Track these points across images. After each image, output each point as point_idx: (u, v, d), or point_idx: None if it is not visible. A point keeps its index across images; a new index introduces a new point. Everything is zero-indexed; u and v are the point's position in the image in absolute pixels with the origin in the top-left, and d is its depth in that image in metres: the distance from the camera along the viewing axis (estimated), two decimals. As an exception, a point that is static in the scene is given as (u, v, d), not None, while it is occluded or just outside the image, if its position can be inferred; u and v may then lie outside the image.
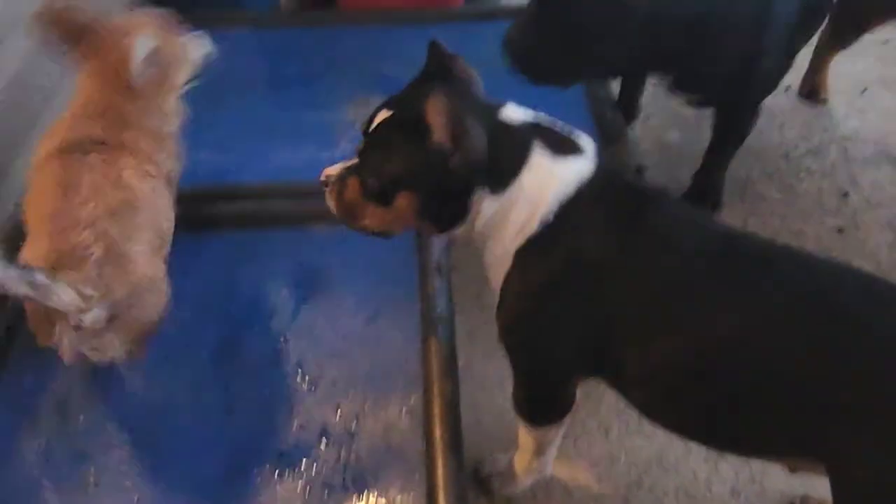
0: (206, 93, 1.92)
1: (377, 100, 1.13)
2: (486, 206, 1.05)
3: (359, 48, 2.09)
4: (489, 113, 1.06)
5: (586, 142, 1.09)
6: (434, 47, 1.12)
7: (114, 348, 1.20)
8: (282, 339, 1.42)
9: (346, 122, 1.85)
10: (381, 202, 1.09)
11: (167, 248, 1.33)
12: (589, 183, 1.03)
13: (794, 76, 2.46)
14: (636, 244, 1.01)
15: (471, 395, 1.51)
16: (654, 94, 2.39)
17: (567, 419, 1.24)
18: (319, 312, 1.47)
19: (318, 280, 1.52)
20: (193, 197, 1.63)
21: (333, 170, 1.18)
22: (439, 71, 1.11)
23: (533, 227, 1.04)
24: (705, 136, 2.23)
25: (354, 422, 1.31)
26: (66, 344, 1.15)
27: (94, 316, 1.14)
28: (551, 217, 1.02)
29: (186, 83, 1.44)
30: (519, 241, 1.05)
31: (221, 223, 1.61)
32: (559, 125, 1.11)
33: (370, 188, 1.09)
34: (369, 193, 1.10)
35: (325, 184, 1.17)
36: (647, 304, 1.00)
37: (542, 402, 1.21)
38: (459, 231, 1.11)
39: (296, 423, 1.31)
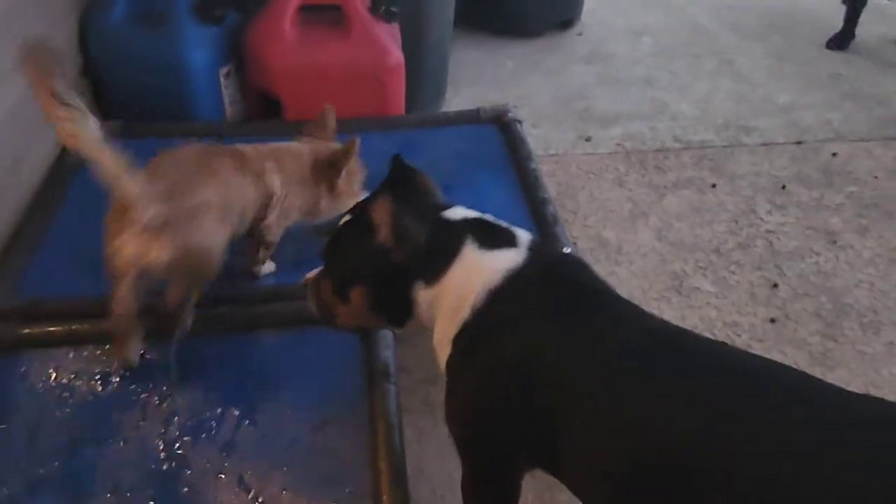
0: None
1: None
2: (423, 296, 1.15)
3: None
4: (434, 213, 1.17)
5: (522, 235, 1.16)
6: (396, 160, 1.29)
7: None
8: (224, 453, 1.38)
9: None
10: (343, 299, 1.22)
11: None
12: (519, 272, 1.09)
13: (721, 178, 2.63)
14: (570, 335, 1.03)
15: (423, 499, 1.48)
16: (590, 193, 2.52)
17: None
18: (264, 422, 1.44)
19: (264, 388, 1.50)
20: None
21: (312, 274, 1.32)
22: (399, 180, 1.26)
23: (465, 314, 1.10)
24: (642, 234, 2.35)
25: (300, 536, 1.27)
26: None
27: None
28: (481, 305, 1.09)
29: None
30: (454, 328, 1.12)
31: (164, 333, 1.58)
32: (498, 222, 1.19)
33: (333, 286, 1.23)
34: (333, 291, 1.24)
35: (305, 286, 1.32)
36: (579, 399, 1.00)
37: (485, 492, 1.20)
38: (411, 325, 1.21)
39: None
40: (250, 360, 1.56)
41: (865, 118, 3.02)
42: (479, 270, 1.10)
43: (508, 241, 1.14)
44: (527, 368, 1.03)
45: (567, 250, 1.77)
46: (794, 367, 1.05)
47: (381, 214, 1.12)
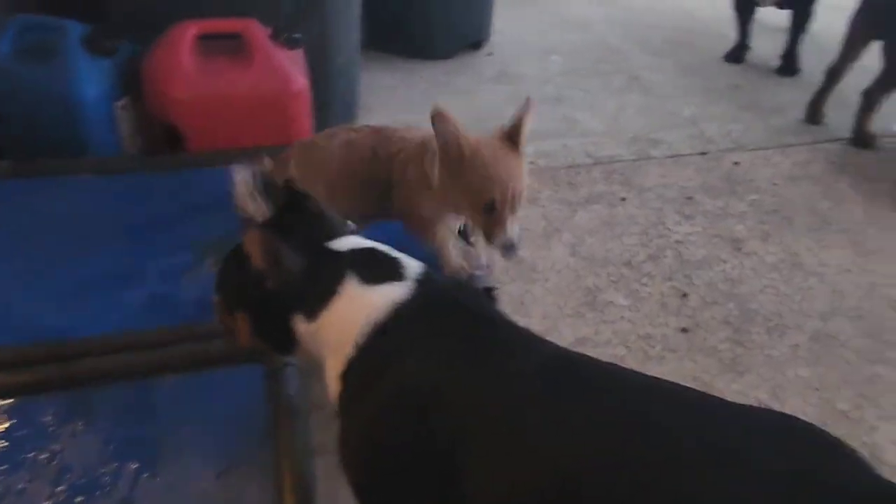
0: (50, 242, 1.86)
1: (226, 240, 1.25)
2: (304, 330, 1.12)
3: (206, 189, 2.08)
4: (317, 243, 1.14)
5: (411, 267, 1.13)
6: (286, 184, 1.24)
7: None
8: (121, 510, 1.31)
9: (193, 263, 1.81)
10: (235, 320, 1.22)
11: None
12: (404, 306, 1.06)
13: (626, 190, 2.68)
14: (464, 364, 1.01)
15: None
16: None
17: None
18: (164, 473, 1.37)
19: (164, 437, 1.43)
20: (26, 360, 1.53)
21: None
22: (289, 205, 1.21)
23: (349, 351, 1.07)
24: (556, 251, 2.37)
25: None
26: None
27: None
28: (364, 341, 1.06)
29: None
30: (340, 365, 1.08)
31: (55, 385, 1.49)
32: (389, 252, 1.16)
33: (224, 307, 1.23)
34: (225, 312, 1.23)
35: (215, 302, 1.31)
36: (482, 428, 0.97)
37: None
38: (300, 355, 1.20)
39: None
40: (148, 407, 1.48)
41: (763, 127, 3.16)
42: (360, 306, 1.07)
43: (394, 274, 1.11)
44: (421, 402, 1.00)
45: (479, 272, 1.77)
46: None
47: (251, 242, 1.09)
